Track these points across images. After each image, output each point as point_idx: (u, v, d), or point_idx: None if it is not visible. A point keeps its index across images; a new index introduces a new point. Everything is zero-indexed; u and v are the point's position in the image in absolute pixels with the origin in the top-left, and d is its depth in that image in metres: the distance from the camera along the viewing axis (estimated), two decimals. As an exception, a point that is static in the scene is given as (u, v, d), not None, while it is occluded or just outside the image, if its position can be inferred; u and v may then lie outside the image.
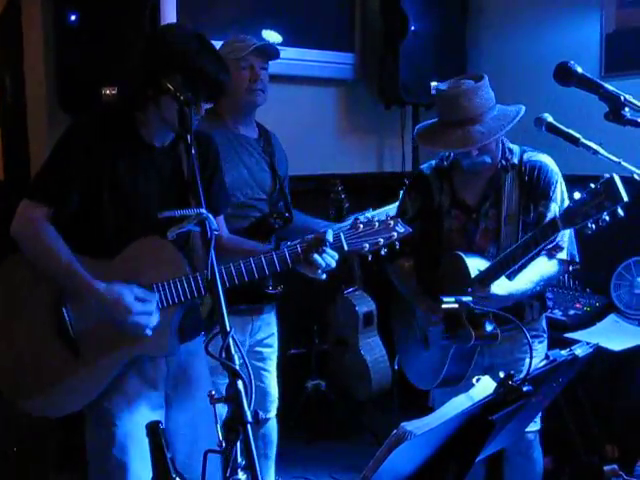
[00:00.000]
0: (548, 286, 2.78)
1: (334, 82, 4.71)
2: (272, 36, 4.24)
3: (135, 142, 2.29)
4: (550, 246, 2.61)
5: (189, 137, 1.88)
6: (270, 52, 3.04)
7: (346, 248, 2.22)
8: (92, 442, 2.31)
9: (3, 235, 2.28)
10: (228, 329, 1.57)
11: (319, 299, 4.38)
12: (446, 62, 4.50)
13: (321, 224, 3.20)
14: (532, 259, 2.56)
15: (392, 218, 2.27)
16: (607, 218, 2.17)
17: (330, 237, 2.18)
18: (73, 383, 2.21)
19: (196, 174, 1.85)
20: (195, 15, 3.98)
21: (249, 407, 1.50)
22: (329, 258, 2.20)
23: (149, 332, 2.17)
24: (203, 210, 1.72)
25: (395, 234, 2.24)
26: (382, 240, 2.23)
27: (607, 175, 2.14)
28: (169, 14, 3.79)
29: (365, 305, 4.30)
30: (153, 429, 1.53)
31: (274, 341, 3.20)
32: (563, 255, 2.65)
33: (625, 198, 2.11)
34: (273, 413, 3.20)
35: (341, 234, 2.22)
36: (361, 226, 2.23)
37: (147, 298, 2.17)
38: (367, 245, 2.22)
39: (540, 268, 2.62)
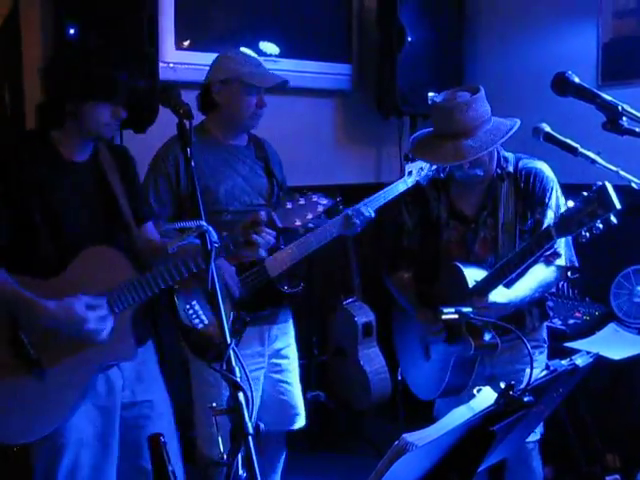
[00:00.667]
0: (546, 292, 2.77)
1: (331, 93, 4.72)
2: (269, 48, 4.26)
3: (56, 160, 2.33)
4: (547, 253, 2.62)
5: (189, 150, 1.87)
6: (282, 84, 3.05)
7: (279, 225, 2.36)
8: (39, 464, 2.34)
9: None
10: (228, 341, 1.57)
11: (318, 310, 4.38)
12: (443, 72, 4.51)
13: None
14: (529, 267, 2.56)
15: (315, 194, 2.42)
16: (600, 226, 2.17)
17: (264, 216, 2.33)
18: (42, 405, 2.21)
19: (196, 185, 1.84)
20: (192, 27, 4.00)
21: (250, 419, 1.50)
22: (267, 236, 2.35)
23: (105, 336, 2.20)
24: (203, 223, 1.72)
25: (321, 207, 2.42)
26: (311, 215, 2.39)
27: (599, 183, 2.14)
28: (167, 27, 3.82)
29: (364, 315, 4.29)
30: (155, 441, 1.53)
31: (292, 352, 3.19)
32: (561, 261, 2.66)
33: (618, 205, 2.12)
34: (299, 425, 3.20)
35: (272, 213, 2.36)
36: (289, 204, 2.38)
37: (97, 304, 2.21)
38: (298, 222, 2.39)
39: (538, 275, 2.63)
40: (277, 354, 3.11)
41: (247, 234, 2.32)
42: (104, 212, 2.38)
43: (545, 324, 2.89)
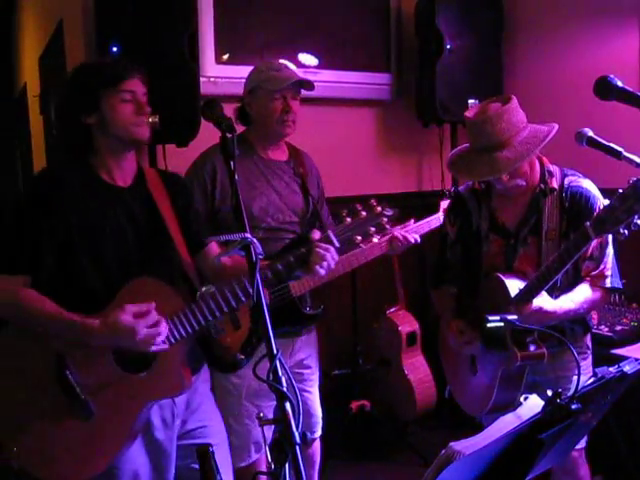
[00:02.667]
0: (591, 311, 2.72)
1: (371, 103, 4.73)
2: (308, 60, 4.30)
3: (98, 186, 2.26)
4: (594, 273, 2.60)
5: (232, 163, 1.87)
6: (305, 85, 3.01)
7: (337, 245, 2.25)
8: None
9: None
10: (275, 352, 1.59)
11: (362, 319, 4.39)
12: (483, 79, 4.49)
13: None
14: (567, 272, 2.53)
15: (377, 202, 2.27)
16: (639, 222, 2.14)
17: (317, 235, 2.25)
18: (93, 444, 2.14)
19: (239, 199, 1.84)
20: (232, 41, 4.05)
21: (297, 428, 1.51)
22: (326, 254, 2.24)
23: (160, 342, 2.12)
24: (247, 235, 1.73)
25: (384, 219, 2.26)
26: (373, 228, 2.24)
27: (634, 178, 2.11)
28: (207, 42, 3.88)
29: (408, 325, 4.30)
30: (203, 453, 1.55)
31: (313, 362, 3.20)
32: (607, 283, 2.61)
33: None
34: (317, 434, 3.23)
35: (329, 232, 2.25)
36: (348, 219, 2.24)
37: (145, 309, 2.10)
38: (359, 237, 2.24)
39: (584, 291, 2.59)
40: (299, 364, 3.13)
41: (304, 253, 2.24)
42: (151, 238, 2.29)
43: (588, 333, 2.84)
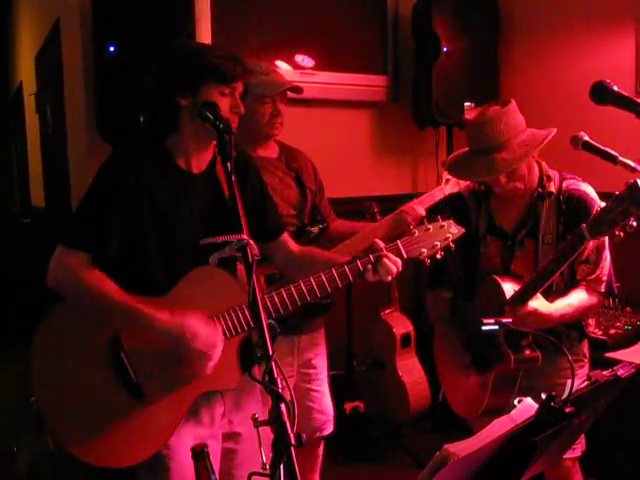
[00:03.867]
0: (586, 315, 2.72)
1: (367, 105, 4.75)
2: (305, 61, 4.30)
3: (171, 171, 2.23)
4: (591, 277, 2.60)
5: (229, 165, 1.88)
6: (294, 90, 3.04)
7: (405, 256, 2.27)
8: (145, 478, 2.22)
9: (43, 261, 2.26)
10: (270, 353, 1.59)
11: (356, 321, 4.39)
12: (479, 82, 4.51)
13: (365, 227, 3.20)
14: (563, 275, 2.55)
15: (445, 220, 2.33)
16: (634, 224, 2.15)
17: (380, 243, 2.24)
18: (143, 429, 2.12)
19: (236, 201, 1.85)
20: (229, 42, 4.03)
21: (292, 430, 1.51)
22: (394, 264, 2.23)
23: (210, 364, 2.10)
24: (244, 236, 1.73)
25: (450, 236, 2.32)
26: (439, 243, 2.30)
27: (631, 180, 2.11)
28: (205, 42, 3.87)
29: (402, 326, 4.30)
30: (199, 453, 1.55)
31: (321, 362, 3.20)
32: (603, 288, 2.62)
33: None
34: (328, 431, 3.23)
35: (398, 242, 2.28)
36: (416, 232, 2.30)
37: (212, 327, 2.11)
38: (425, 250, 2.29)
39: (580, 296, 2.60)
40: (307, 364, 3.13)
41: (379, 260, 2.22)
42: (220, 227, 2.12)
43: (585, 341, 2.84)
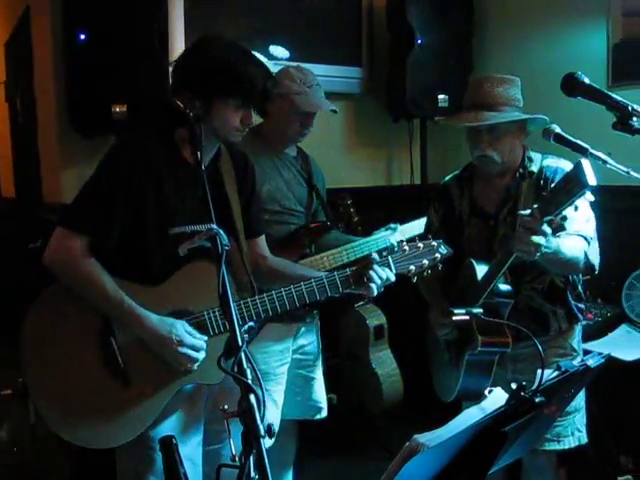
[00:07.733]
0: (575, 263, 2.55)
1: (342, 96, 4.71)
2: (279, 51, 4.28)
3: (177, 163, 2.24)
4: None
5: (199, 154, 1.87)
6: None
7: (394, 271, 2.32)
8: (128, 465, 2.26)
9: (16, 252, 2.24)
10: (240, 344, 1.58)
11: (329, 312, 4.37)
12: (453, 74, 4.52)
13: (353, 240, 3.20)
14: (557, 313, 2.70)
15: (435, 240, 2.39)
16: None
17: (376, 257, 2.30)
18: (125, 414, 2.15)
19: (207, 189, 1.85)
20: (202, 30, 4.00)
21: (261, 421, 1.50)
22: (383, 274, 2.29)
23: (193, 367, 2.17)
24: (214, 225, 1.71)
25: (439, 256, 2.37)
26: (427, 262, 2.35)
27: (579, 160, 2.14)
28: (177, 31, 3.83)
29: (376, 318, 4.30)
30: (166, 443, 1.54)
31: (314, 349, 3.26)
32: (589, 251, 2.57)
33: (591, 182, 2.09)
34: (321, 416, 3.30)
35: (389, 258, 2.32)
36: (407, 248, 2.34)
37: (198, 335, 2.17)
38: (413, 267, 2.34)
39: (574, 238, 2.55)
40: (301, 350, 3.19)
41: (366, 269, 2.28)
42: (216, 221, 2.24)
43: (577, 330, 2.82)
